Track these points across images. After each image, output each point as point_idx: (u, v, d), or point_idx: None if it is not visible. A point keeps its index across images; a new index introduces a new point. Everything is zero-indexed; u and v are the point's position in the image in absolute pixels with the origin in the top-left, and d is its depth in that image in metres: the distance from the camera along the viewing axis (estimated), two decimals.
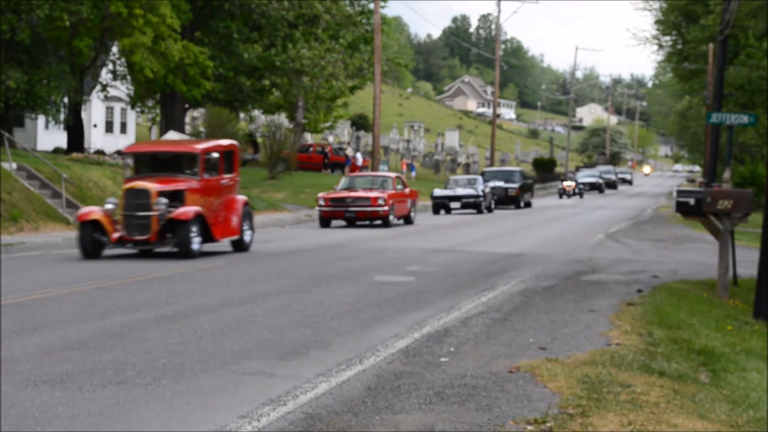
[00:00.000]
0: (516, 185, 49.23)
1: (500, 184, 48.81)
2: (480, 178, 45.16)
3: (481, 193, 42.69)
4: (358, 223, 32.33)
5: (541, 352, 10.17)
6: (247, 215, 22.04)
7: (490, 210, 44.20)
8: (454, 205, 42.78)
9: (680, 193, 16.62)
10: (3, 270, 17.04)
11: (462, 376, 8.93)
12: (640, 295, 14.89)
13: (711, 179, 22.88)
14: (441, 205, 42.89)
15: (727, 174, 18.11)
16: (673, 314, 12.81)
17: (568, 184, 66.97)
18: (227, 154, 21.98)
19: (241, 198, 22.20)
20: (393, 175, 34.87)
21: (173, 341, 10.42)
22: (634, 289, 15.81)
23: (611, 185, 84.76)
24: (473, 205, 42.57)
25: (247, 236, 21.95)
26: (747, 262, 19.13)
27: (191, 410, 7.64)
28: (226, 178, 21.72)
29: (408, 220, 33.71)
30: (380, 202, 31.51)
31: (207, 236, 20.47)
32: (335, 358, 9.78)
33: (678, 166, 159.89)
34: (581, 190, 67.67)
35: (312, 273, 17.46)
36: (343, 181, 34.57)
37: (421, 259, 20.48)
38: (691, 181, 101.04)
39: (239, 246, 21.78)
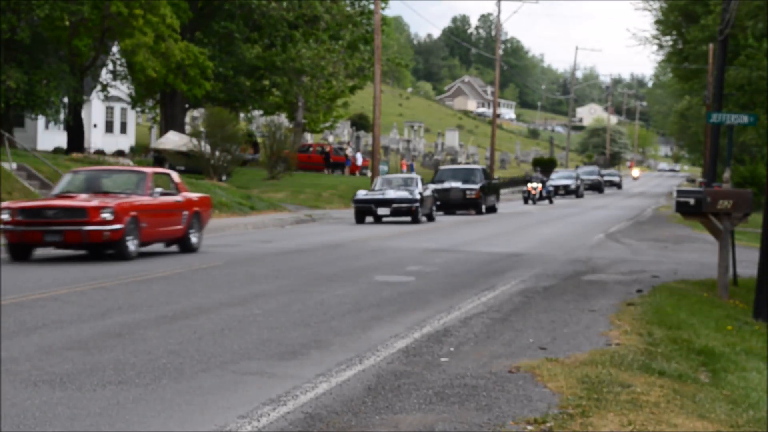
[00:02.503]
0: (476, 186, 41.61)
1: (457, 185, 41.76)
2: (418, 178, 36.95)
3: (417, 197, 34.12)
4: (82, 250, 19.71)
5: (541, 352, 10.17)
6: None
7: (430, 218, 35.72)
8: (383, 211, 34.02)
9: (680, 193, 16.61)
10: (3, 270, 17.03)
11: (462, 376, 8.93)
12: (640, 295, 14.89)
13: (711, 179, 22.84)
14: (365, 212, 34.16)
15: (727, 174, 18.10)
16: (673, 314, 12.81)
17: (534, 186, 55.66)
18: None
19: None
20: (149, 170, 21.55)
21: (173, 341, 10.42)
22: (634, 289, 15.80)
23: (595, 187, 76.11)
24: (407, 211, 33.92)
25: None
26: (747, 262, 19.13)
27: (191, 410, 7.64)
28: None
29: (186, 246, 21.20)
30: (105, 216, 18.63)
31: None
32: (335, 358, 9.78)
33: (664, 165, 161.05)
34: (549, 194, 57.37)
35: (312, 273, 17.46)
36: (65, 180, 21.07)
37: (421, 259, 20.48)
38: (691, 180, 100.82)
39: None
